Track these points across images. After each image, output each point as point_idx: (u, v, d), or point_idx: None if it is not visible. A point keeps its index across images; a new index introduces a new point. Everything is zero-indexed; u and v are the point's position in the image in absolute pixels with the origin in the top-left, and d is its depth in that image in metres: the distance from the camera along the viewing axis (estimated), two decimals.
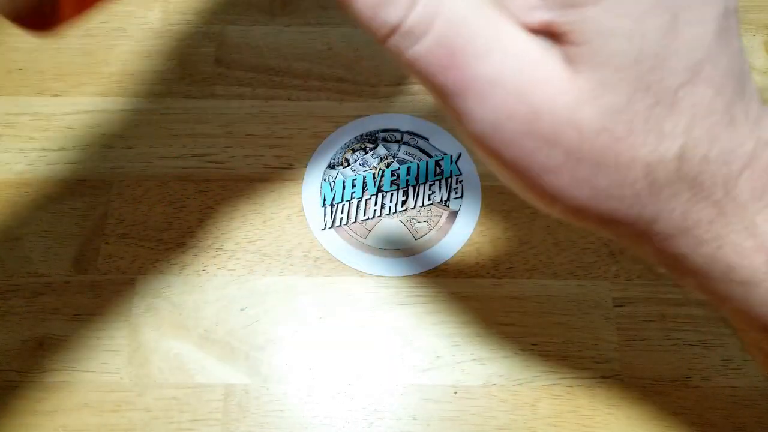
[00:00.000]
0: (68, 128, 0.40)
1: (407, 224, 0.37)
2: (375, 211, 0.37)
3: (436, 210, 0.37)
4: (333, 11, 0.43)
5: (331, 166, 0.38)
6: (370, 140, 0.39)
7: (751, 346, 0.20)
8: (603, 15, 0.14)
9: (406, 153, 0.39)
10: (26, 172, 0.38)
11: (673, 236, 0.16)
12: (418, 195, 0.38)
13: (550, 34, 0.15)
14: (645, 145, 0.15)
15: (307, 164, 0.39)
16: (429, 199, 0.38)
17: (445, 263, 0.36)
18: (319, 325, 0.35)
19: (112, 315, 0.35)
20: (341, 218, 0.37)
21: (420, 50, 0.14)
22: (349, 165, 0.39)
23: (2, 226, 0.37)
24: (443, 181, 0.38)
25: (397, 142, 0.39)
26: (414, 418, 0.33)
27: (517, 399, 0.33)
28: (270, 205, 0.38)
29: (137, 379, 0.33)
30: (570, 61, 0.14)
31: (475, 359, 0.34)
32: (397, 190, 0.38)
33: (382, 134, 0.39)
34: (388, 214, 0.37)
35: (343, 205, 0.38)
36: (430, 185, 0.38)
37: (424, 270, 0.36)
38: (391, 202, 0.38)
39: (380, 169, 0.38)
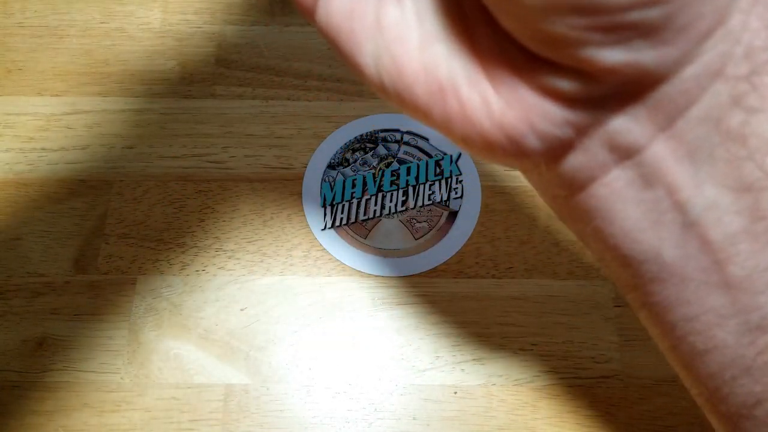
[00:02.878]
0: (68, 128, 0.40)
1: (407, 224, 0.37)
2: (375, 211, 0.37)
3: (436, 210, 0.37)
4: None
5: (331, 166, 0.38)
6: (370, 140, 0.39)
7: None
8: None
9: (406, 153, 0.39)
10: (26, 172, 0.38)
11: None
12: (418, 195, 0.38)
13: None
14: None
15: (307, 164, 0.39)
16: (429, 199, 0.38)
17: (445, 263, 0.36)
18: (319, 325, 0.35)
19: (112, 315, 0.35)
20: (341, 218, 0.37)
21: None
22: (349, 165, 0.39)
23: (2, 226, 0.37)
24: (443, 181, 0.38)
25: (397, 142, 0.39)
26: (414, 418, 0.33)
27: (517, 399, 0.33)
28: (270, 205, 0.38)
29: (137, 379, 0.33)
30: None
31: (475, 359, 0.34)
32: (397, 190, 0.38)
33: (382, 134, 0.39)
34: (388, 214, 0.37)
35: (343, 205, 0.38)
36: (430, 185, 0.38)
37: (424, 270, 0.36)
38: (391, 202, 0.38)
39: (380, 169, 0.38)
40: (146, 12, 0.43)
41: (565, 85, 0.14)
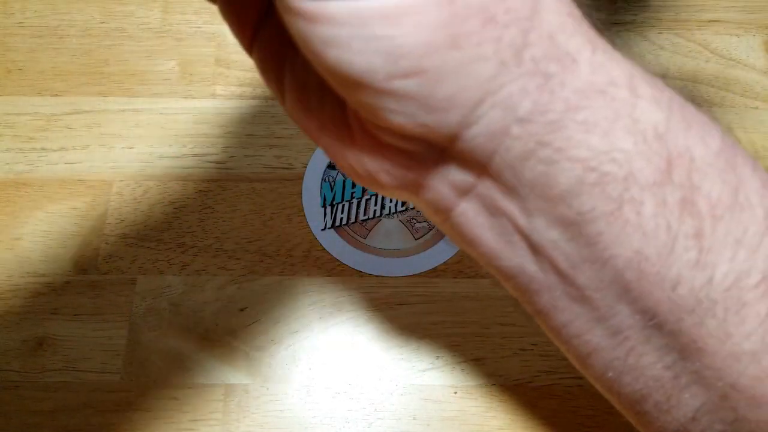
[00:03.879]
0: (68, 128, 0.40)
1: (407, 224, 0.37)
2: (375, 211, 0.37)
3: None
4: None
5: (331, 166, 0.38)
6: None
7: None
8: None
9: None
10: (26, 172, 0.38)
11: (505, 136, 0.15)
12: None
13: None
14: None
15: (307, 164, 0.39)
16: None
17: (445, 263, 0.36)
18: (319, 325, 0.35)
19: (112, 315, 0.35)
20: (341, 218, 0.37)
21: None
22: None
23: (2, 226, 0.37)
24: None
25: None
26: (414, 418, 0.33)
27: (517, 399, 0.33)
28: (270, 205, 0.38)
29: (137, 379, 0.33)
30: None
31: (475, 359, 0.34)
32: None
33: None
34: (388, 214, 0.37)
35: (343, 205, 0.38)
36: None
37: (424, 270, 0.36)
38: (391, 202, 0.38)
39: None
40: (146, 12, 0.43)
41: (387, 139, 0.16)
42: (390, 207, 0.37)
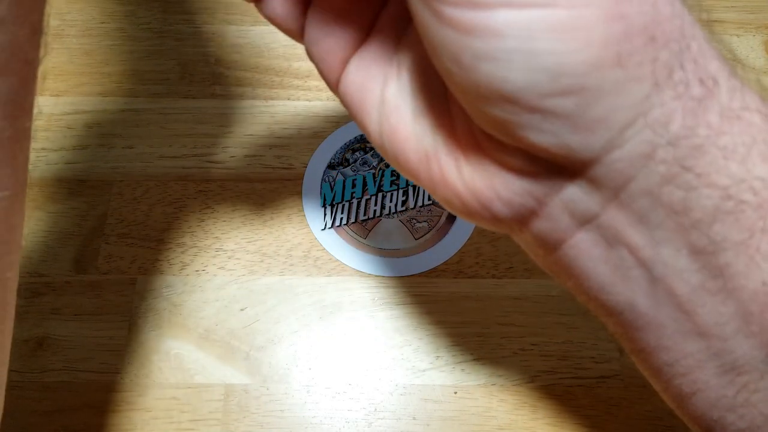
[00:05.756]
0: (68, 128, 0.40)
1: (407, 224, 0.37)
2: (375, 211, 0.37)
3: (436, 210, 0.37)
4: None
5: (331, 166, 0.38)
6: None
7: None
8: None
9: None
10: None
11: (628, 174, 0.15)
12: (418, 195, 0.38)
13: None
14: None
15: (307, 164, 0.39)
16: (429, 199, 0.38)
17: (445, 263, 0.36)
18: (319, 325, 0.35)
19: (112, 315, 0.35)
20: (341, 218, 0.37)
21: None
22: (349, 165, 0.39)
23: None
24: None
25: None
26: (414, 418, 0.33)
27: (517, 399, 0.33)
28: (270, 205, 0.38)
29: (137, 379, 0.33)
30: None
31: (475, 359, 0.34)
32: (397, 190, 0.38)
33: None
34: (388, 214, 0.37)
35: (343, 205, 0.38)
36: None
37: (424, 270, 0.36)
38: (391, 202, 0.38)
39: (380, 168, 0.38)
40: (146, 12, 0.43)
41: (514, 160, 0.15)
42: (390, 207, 0.37)
